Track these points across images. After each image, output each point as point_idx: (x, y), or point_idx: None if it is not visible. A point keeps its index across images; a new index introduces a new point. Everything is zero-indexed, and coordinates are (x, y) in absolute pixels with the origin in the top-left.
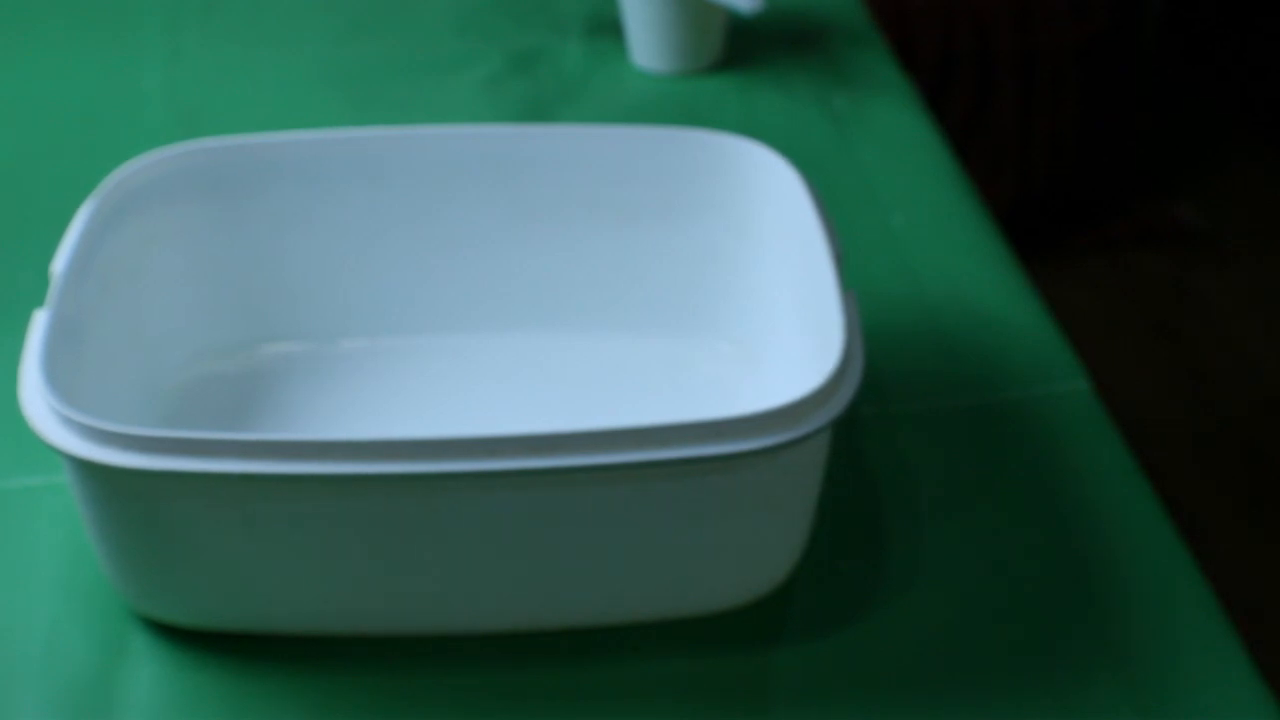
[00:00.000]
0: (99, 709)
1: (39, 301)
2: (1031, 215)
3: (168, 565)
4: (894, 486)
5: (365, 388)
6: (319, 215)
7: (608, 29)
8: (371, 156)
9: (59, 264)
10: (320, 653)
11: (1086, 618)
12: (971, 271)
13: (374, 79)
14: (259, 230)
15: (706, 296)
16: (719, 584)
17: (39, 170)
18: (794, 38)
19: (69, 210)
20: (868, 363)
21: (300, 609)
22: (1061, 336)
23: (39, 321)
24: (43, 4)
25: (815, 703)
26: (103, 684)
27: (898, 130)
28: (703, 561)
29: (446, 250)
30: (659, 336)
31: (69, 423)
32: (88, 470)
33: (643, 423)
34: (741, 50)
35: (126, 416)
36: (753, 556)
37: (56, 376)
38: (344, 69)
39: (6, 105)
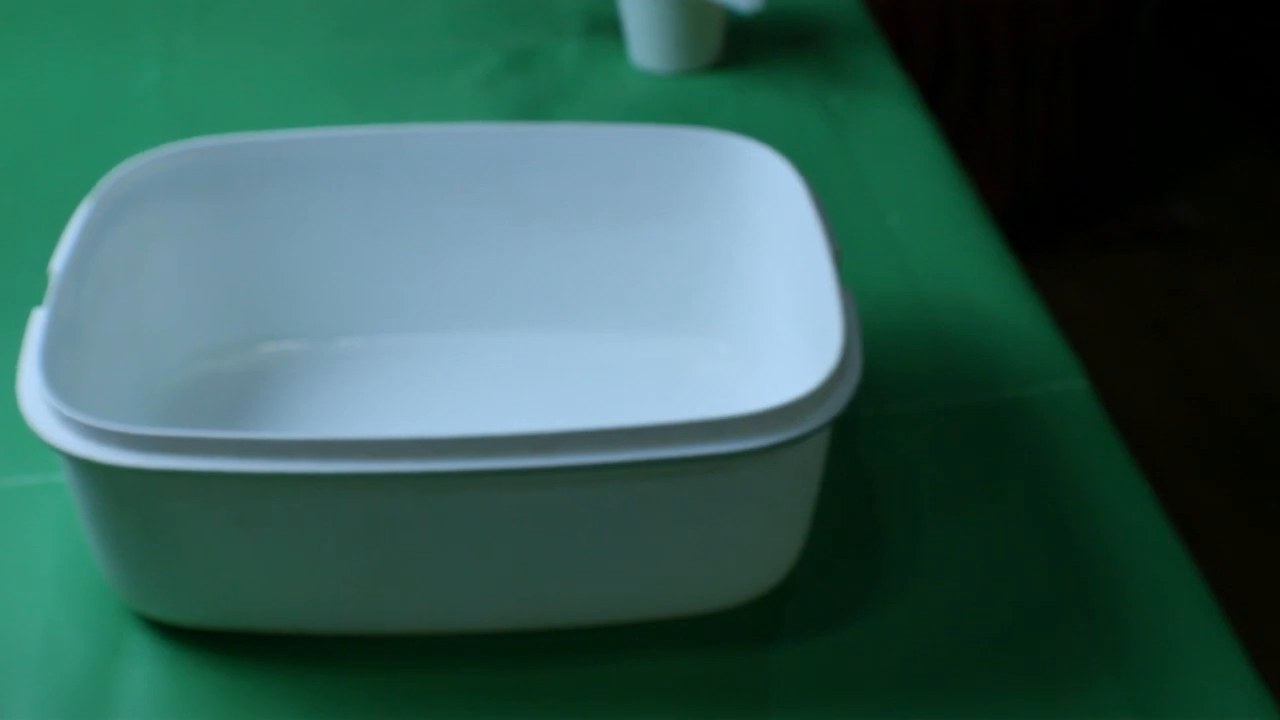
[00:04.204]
0: (95, 707)
1: (38, 300)
2: (1028, 214)
3: (165, 564)
4: (891, 486)
5: (363, 387)
6: (316, 214)
7: (605, 28)
8: (368, 156)
9: (57, 263)
10: (318, 651)
11: (1084, 617)
12: (968, 270)
13: (371, 78)
14: (256, 229)
15: (704, 295)
16: (717, 583)
17: (37, 170)
18: (792, 37)
19: (67, 210)
20: (865, 362)
21: (298, 607)
22: (1059, 335)
23: (37, 320)
24: (40, 5)
25: (813, 702)
26: (99, 682)
27: (895, 129)
28: (701, 560)
29: (443, 249)
30: (656, 336)
31: (67, 421)
32: (85, 469)
33: (642, 422)
34: (739, 49)
35: (124, 415)
36: (751, 556)
37: (55, 375)
38: (341, 68)
39: (5, 105)
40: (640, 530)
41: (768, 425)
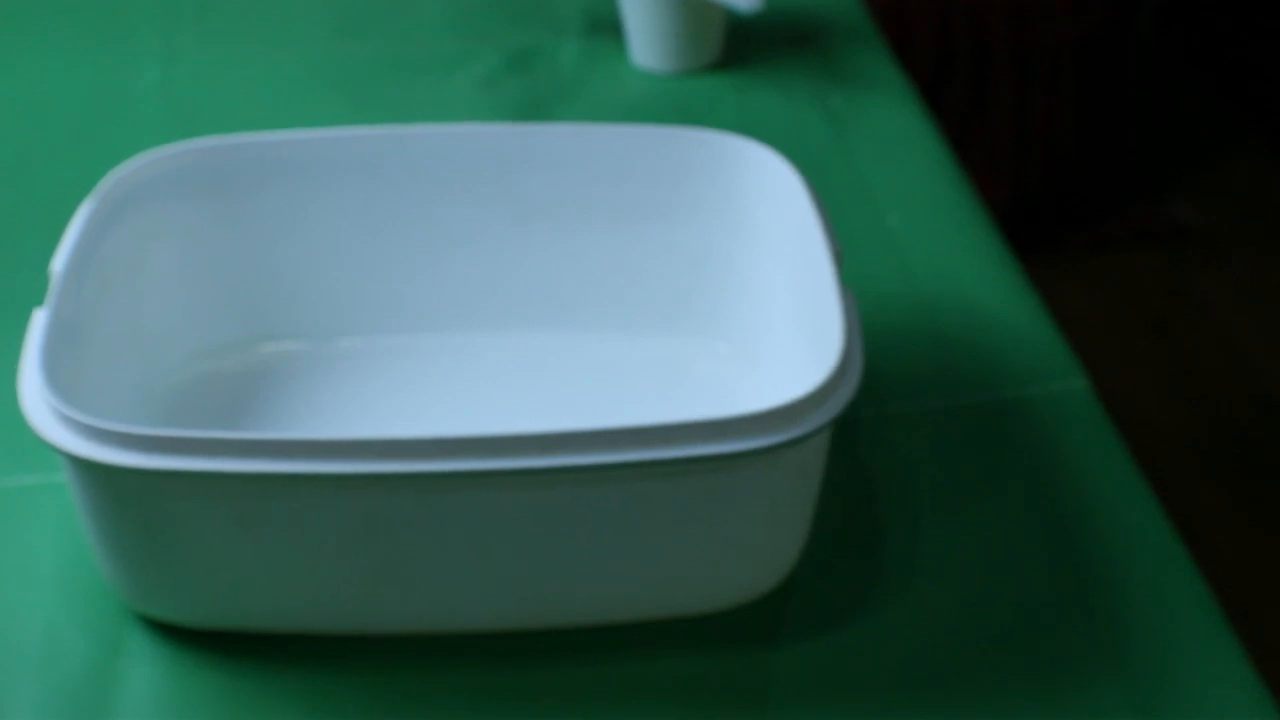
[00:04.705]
0: (96, 707)
1: (39, 301)
2: (1028, 214)
3: (165, 564)
4: (892, 486)
5: (363, 387)
6: (316, 214)
7: (605, 28)
8: (368, 155)
9: (58, 263)
10: (318, 651)
11: (1085, 617)
12: (969, 270)
13: (370, 78)
14: (257, 229)
15: (704, 295)
16: (718, 583)
17: (38, 170)
18: (792, 37)
19: (68, 210)
20: (865, 362)
21: (298, 608)
22: (1059, 335)
23: (38, 320)
24: (40, 5)
25: (814, 702)
26: (99, 682)
27: (895, 129)
28: (702, 561)
29: (443, 249)
30: (656, 336)
31: (68, 421)
32: (86, 469)
33: (643, 422)
34: (740, 49)
35: (125, 415)
36: (752, 556)
37: (55, 375)
38: (340, 68)
39: (5, 105)
40: (641, 530)
41: (769, 425)
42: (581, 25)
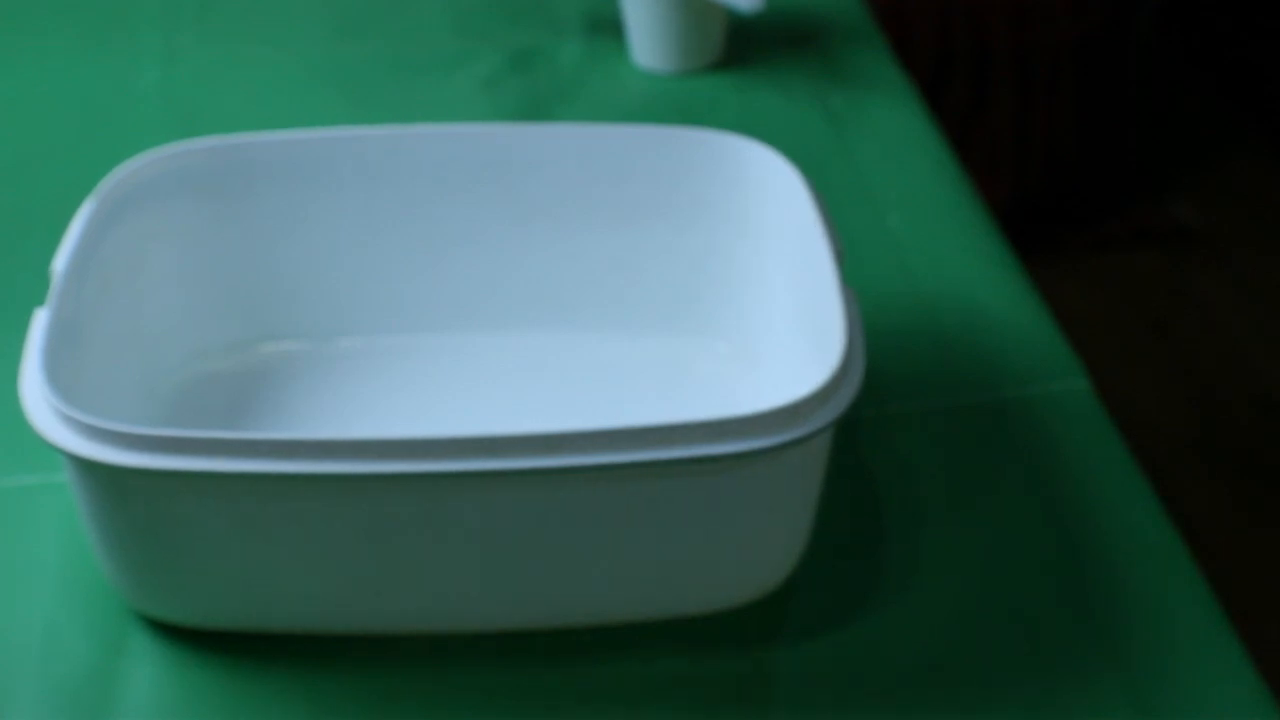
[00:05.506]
0: (97, 707)
1: (39, 301)
2: (1028, 214)
3: (167, 564)
4: (893, 486)
5: (363, 387)
6: (316, 214)
7: (606, 28)
8: (369, 156)
9: (59, 263)
10: (320, 652)
11: (1085, 617)
12: (969, 270)
13: (371, 78)
14: (257, 229)
15: (704, 295)
16: (719, 584)
17: (38, 170)
18: (792, 37)
19: (68, 210)
20: (866, 362)
21: (299, 608)
22: (1059, 335)
23: (39, 320)
24: (40, 5)
25: (815, 702)
26: (101, 682)
27: (895, 129)
28: (703, 561)
29: (444, 249)
30: (657, 336)
31: (69, 421)
32: (87, 469)
33: (643, 422)
34: (740, 49)
35: (126, 415)
36: (753, 556)
37: (56, 375)
38: (341, 68)
39: (5, 105)
40: (641, 530)
41: (769, 426)
42: (582, 25)
